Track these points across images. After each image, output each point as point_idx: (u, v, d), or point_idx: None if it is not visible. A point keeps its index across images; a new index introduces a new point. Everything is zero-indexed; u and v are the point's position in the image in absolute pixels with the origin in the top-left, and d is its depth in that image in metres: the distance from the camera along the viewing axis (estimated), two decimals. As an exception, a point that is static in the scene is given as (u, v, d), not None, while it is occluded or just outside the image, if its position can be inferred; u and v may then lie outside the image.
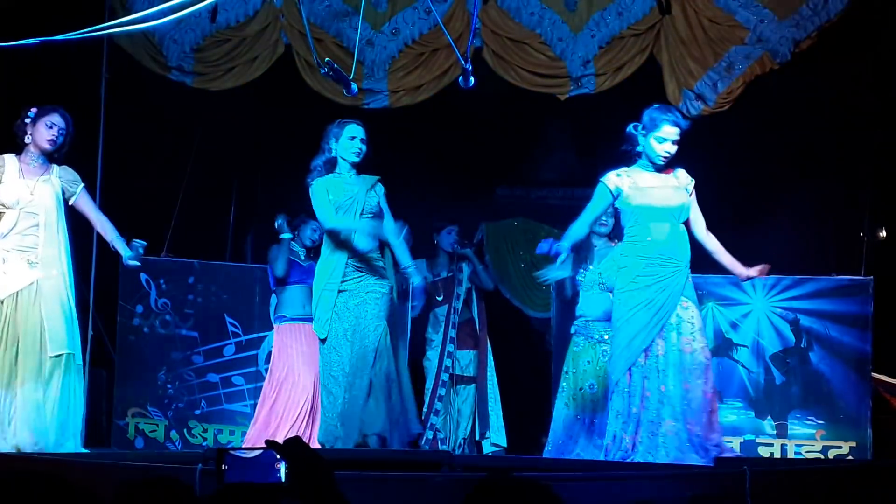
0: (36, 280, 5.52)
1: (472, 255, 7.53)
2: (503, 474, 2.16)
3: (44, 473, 2.00)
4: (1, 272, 5.51)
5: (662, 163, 5.25)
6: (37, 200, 5.59)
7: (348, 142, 5.66)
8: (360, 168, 5.71)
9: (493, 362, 7.58)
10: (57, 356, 5.48)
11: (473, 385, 7.47)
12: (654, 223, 5.20)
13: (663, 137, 5.23)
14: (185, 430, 7.08)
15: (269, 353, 7.00)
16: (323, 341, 5.63)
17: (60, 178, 5.66)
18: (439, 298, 7.51)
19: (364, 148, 5.67)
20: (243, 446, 6.54)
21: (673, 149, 5.24)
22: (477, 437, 7.43)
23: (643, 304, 5.15)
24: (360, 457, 4.99)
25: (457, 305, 7.44)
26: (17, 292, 5.49)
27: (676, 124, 5.26)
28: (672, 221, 5.21)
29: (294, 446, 2.19)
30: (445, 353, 7.40)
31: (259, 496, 2.22)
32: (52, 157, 5.67)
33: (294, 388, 6.54)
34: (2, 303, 5.49)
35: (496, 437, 7.42)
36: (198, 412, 7.14)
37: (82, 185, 5.67)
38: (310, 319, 5.89)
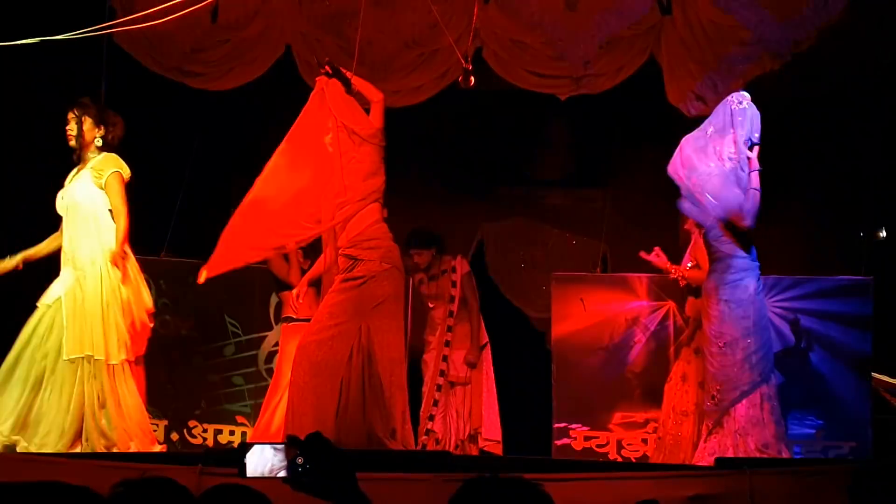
0: (71, 283, 5.52)
1: None
2: (490, 474, 2.16)
3: (44, 474, 2.01)
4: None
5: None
6: (65, 201, 5.61)
7: None
8: None
9: (490, 360, 7.57)
10: (71, 360, 5.48)
11: (469, 385, 7.45)
12: None
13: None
14: (185, 430, 7.08)
15: (270, 353, 7.00)
16: None
17: (92, 168, 5.61)
18: (431, 305, 7.49)
19: None
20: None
21: None
22: (471, 434, 7.42)
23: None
24: (360, 457, 4.99)
25: (452, 308, 7.43)
26: (60, 296, 5.52)
27: None
28: None
29: (316, 443, 2.18)
30: (441, 357, 7.39)
31: (255, 495, 2.22)
32: (85, 152, 5.64)
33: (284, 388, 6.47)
34: (49, 307, 5.51)
35: (488, 433, 7.39)
36: (198, 412, 7.14)
37: (111, 171, 5.57)
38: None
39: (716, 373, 5.39)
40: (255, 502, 2.19)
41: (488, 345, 7.51)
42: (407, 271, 7.48)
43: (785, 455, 5.27)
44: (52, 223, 6.05)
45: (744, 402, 5.27)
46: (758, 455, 5.20)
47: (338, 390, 5.30)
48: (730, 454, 5.21)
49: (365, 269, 5.39)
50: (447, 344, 7.39)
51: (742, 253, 5.34)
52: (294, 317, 6.71)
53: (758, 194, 5.33)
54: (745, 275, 5.32)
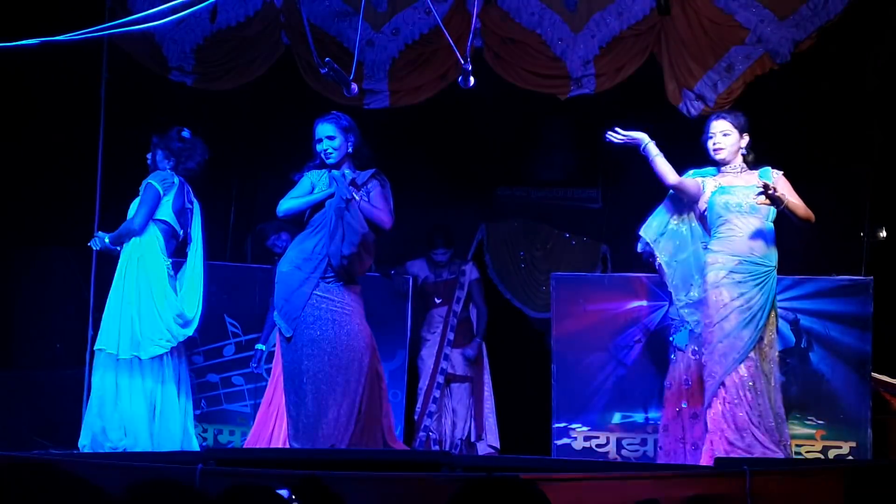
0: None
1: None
2: (486, 475, 2.18)
3: (48, 472, 2.01)
4: None
5: (716, 157, 5.56)
6: None
7: (317, 145, 5.68)
8: (362, 161, 5.68)
9: (487, 363, 7.58)
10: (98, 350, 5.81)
11: (467, 384, 7.46)
12: (740, 219, 5.36)
13: (709, 135, 5.56)
14: (184, 430, 7.07)
15: (270, 353, 7.00)
16: (288, 340, 5.56)
17: None
18: (438, 301, 7.51)
19: (332, 147, 5.61)
20: (245, 446, 6.60)
21: (722, 140, 5.54)
22: (473, 439, 7.42)
23: (741, 301, 5.21)
24: (360, 457, 4.99)
25: (456, 309, 7.45)
26: None
27: (720, 117, 5.58)
28: (759, 219, 5.41)
29: (311, 486, 2.18)
30: (442, 356, 7.40)
31: (262, 498, 2.22)
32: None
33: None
34: None
35: (490, 439, 7.42)
36: (198, 412, 7.13)
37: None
38: None
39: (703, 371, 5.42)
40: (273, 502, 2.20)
41: (485, 347, 7.56)
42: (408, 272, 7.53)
43: (768, 449, 5.25)
44: (51, 224, 6.06)
45: (717, 395, 5.28)
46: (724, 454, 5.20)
47: (356, 388, 5.46)
48: (706, 452, 5.23)
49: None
50: (449, 343, 7.41)
51: (710, 246, 5.38)
52: None
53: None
54: (708, 267, 5.35)
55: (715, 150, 5.54)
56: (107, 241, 5.94)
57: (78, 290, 5.98)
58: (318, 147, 5.62)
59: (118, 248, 5.94)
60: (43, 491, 1.99)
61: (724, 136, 5.54)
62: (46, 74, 6.59)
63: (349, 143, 5.61)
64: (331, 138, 5.60)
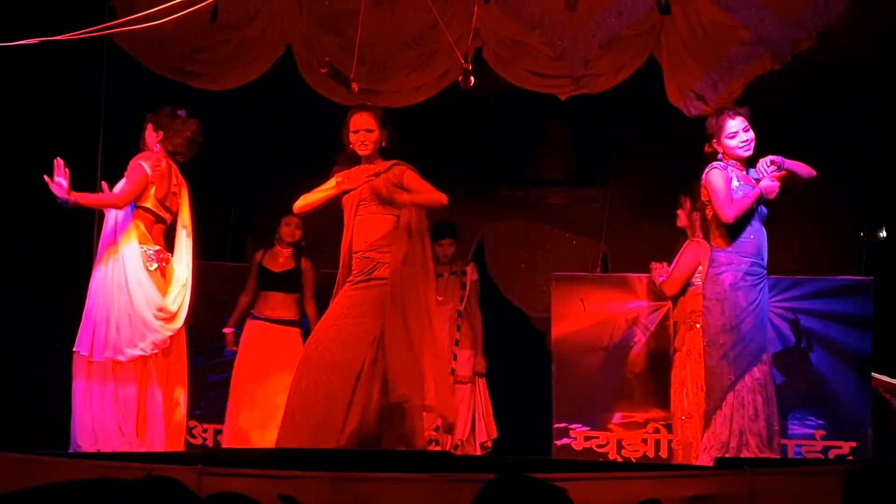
0: None
1: None
2: (516, 474, 2.16)
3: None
4: None
5: (745, 155, 5.37)
6: None
7: (352, 135, 5.59)
8: (392, 156, 5.60)
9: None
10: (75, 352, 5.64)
11: (468, 385, 7.47)
12: (753, 221, 5.31)
13: (730, 133, 5.35)
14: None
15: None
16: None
17: None
18: (439, 298, 7.51)
19: (371, 140, 5.50)
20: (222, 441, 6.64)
21: (749, 135, 5.36)
22: (475, 437, 7.42)
23: (755, 305, 5.21)
24: (360, 457, 4.99)
25: (460, 308, 7.46)
26: None
27: (736, 114, 5.39)
28: (761, 221, 5.35)
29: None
30: (452, 356, 7.41)
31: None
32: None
33: (244, 385, 6.83)
34: None
35: (482, 436, 7.43)
36: (198, 412, 7.14)
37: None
38: (273, 321, 6.69)
39: (705, 372, 5.39)
40: None
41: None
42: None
43: (772, 453, 5.25)
44: (52, 222, 6.05)
45: (728, 399, 5.25)
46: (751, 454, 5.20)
47: (351, 389, 5.29)
48: (704, 453, 5.22)
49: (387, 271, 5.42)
50: (457, 343, 7.41)
51: (724, 247, 5.31)
52: (258, 315, 7.10)
53: (748, 196, 5.31)
54: (723, 269, 5.27)
55: (744, 146, 5.36)
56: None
57: (78, 289, 5.96)
58: (354, 137, 5.56)
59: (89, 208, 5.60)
60: (42, 491, 1.99)
61: (747, 133, 5.38)
62: (46, 74, 6.58)
63: (383, 137, 5.58)
64: (369, 131, 5.53)
